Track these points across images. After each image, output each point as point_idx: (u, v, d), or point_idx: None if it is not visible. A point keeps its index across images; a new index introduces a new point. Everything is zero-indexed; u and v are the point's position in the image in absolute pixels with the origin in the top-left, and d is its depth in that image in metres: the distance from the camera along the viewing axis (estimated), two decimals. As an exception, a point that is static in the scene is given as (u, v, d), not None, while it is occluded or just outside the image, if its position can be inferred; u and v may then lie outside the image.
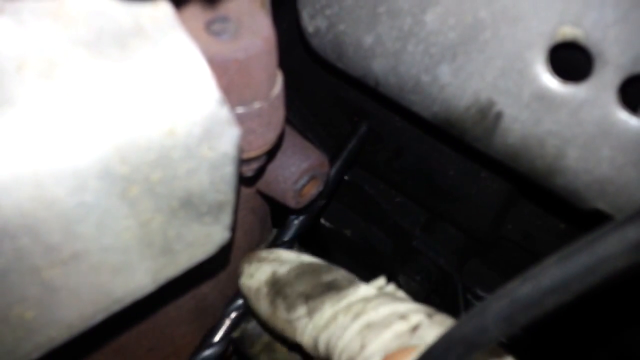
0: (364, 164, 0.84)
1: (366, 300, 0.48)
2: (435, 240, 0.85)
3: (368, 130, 0.76)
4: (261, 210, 0.65)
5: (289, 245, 0.66)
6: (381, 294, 0.49)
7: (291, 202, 0.59)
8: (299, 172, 0.57)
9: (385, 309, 0.45)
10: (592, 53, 0.40)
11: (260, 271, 0.57)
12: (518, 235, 0.75)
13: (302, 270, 0.55)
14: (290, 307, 0.52)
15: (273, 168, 0.57)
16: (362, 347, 0.43)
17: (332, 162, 0.71)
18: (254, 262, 0.59)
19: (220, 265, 0.61)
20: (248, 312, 0.63)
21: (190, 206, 0.35)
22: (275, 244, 0.67)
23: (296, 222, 0.67)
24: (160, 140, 0.31)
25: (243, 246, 0.63)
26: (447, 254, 0.85)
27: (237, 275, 0.64)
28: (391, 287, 0.51)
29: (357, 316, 0.46)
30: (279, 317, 0.53)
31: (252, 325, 0.63)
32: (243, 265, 0.59)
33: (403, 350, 0.41)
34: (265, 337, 0.63)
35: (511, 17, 0.42)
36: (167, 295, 0.58)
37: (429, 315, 0.44)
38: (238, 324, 0.62)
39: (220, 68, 0.37)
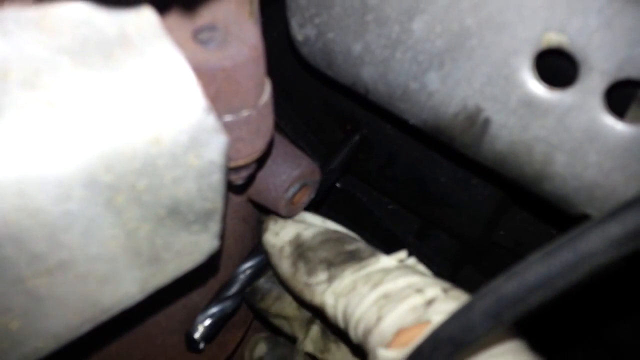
0: (356, 172, 0.84)
1: (386, 271, 0.49)
2: (428, 248, 0.85)
3: (360, 139, 0.76)
4: (252, 219, 0.65)
5: None
6: (401, 266, 0.50)
7: (282, 211, 0.59)
8: (289, 180, 0.57)
9: (403, 281, 0.46)
10: (577, 59, 0.40)
11: (285, 231, 0.58)
12: (510, 241, 0.75)
13: (327, 238, 0.56)
14: (311, 272, 0.53)
15: (264, 176, 0.57)
16: (379, 319, 0.44)
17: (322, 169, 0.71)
18: (280, 221, 0.60)
19: (210, 274, 0.61)
20: (261, 271, 0.63)
21: (177, 214, 0.35)
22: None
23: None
24: (146, 149, 0.31)
25: (234, 255, 0.63)
26: (440, 261, 0.85)
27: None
28: (412, 260, 0.52)
29: (375, 286, 0.47)
30: (299, 279, 0.54)
31: (263, 281, 0.64)
32: (269, 222, 0.60)
33: (417, 325, 0.42)
34: (275, 292, 0.63)
35: (497, 24, 0.42)
36: (157, 304, 0.57)
37: (445, 290, 0.45)
38: (251, 281, 0.62)
39: (208, 76, 0.37)
